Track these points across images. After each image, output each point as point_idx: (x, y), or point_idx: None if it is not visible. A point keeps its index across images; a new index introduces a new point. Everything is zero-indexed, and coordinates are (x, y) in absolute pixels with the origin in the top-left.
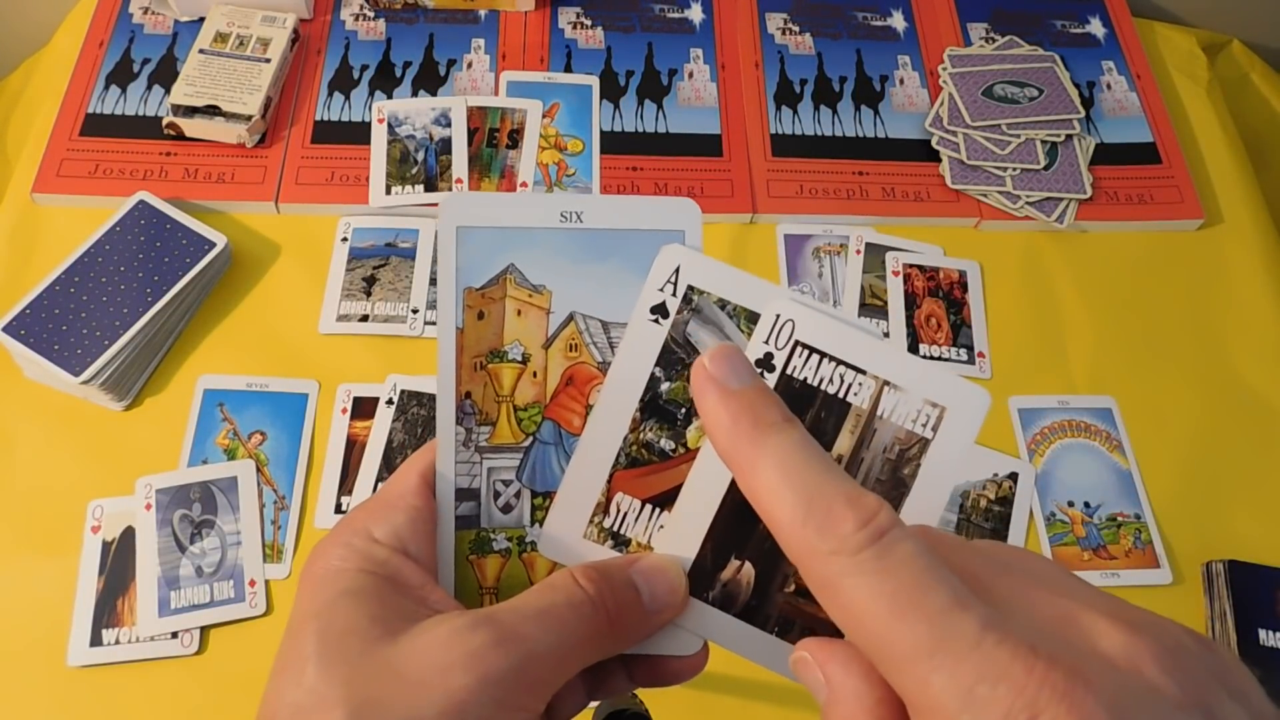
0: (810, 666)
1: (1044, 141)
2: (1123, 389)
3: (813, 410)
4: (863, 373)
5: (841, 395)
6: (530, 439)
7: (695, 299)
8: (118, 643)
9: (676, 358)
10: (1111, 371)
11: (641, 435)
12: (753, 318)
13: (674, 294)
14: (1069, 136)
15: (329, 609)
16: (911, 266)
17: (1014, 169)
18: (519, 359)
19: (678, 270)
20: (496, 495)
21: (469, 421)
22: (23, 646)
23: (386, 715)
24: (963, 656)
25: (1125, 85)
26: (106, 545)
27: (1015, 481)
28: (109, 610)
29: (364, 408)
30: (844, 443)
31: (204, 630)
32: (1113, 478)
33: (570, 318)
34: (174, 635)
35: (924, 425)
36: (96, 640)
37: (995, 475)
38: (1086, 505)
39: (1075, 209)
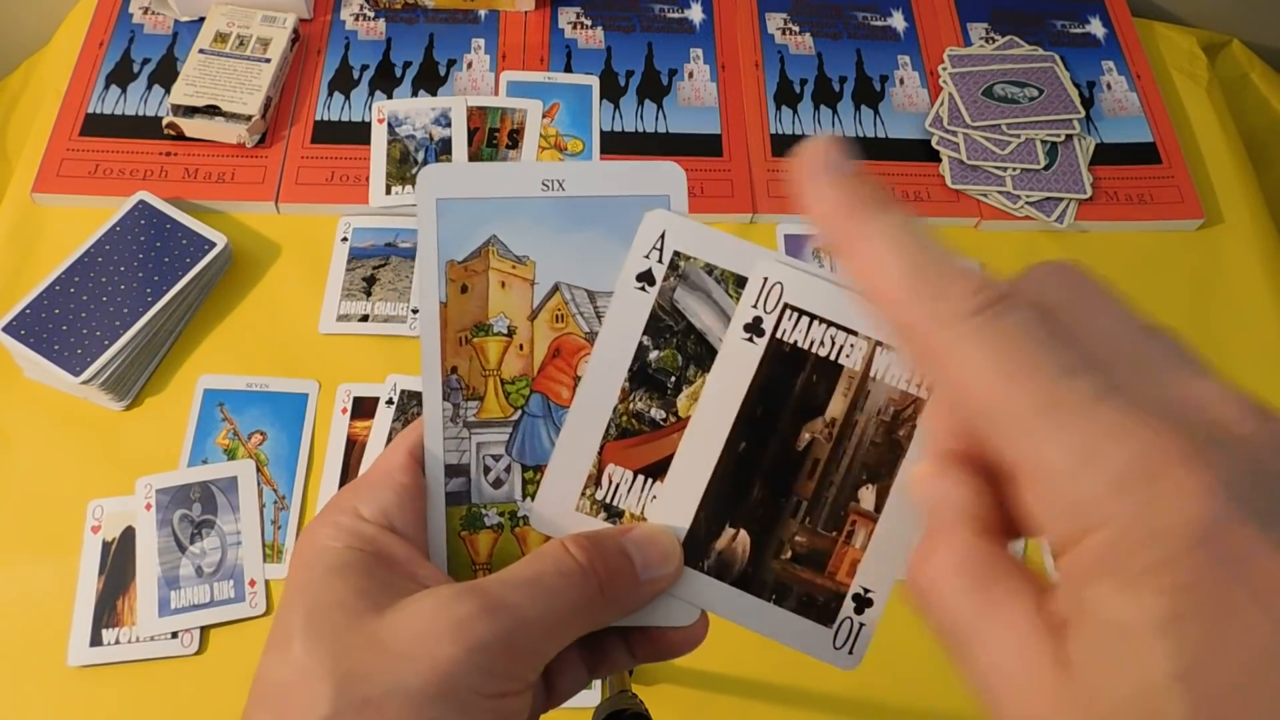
0: (926, 481)
1: (1044, 141)
2: None
3: (804, 374)
4: (854, 334)
5: (833, 357)
6: (519, 412)
7: (682, 265)
8: (118, 643)
9: (664, 325)
10: None
11: (631, 405)
12: (740, 282)
13: (660, 260)
14: (1069, 136)
15: (316, 586)
16: None
17: (1014, 169)
18: (504, 332)
19: (663, 236)
20: (486, 470)
21: (456, 397)
22: (23, 646)
23: (372, 687)
24: (1078, 416)
25: (1125, 85)
26: (106, 545)
27: None
28: (109, 610)
29: (364, 408)
30: (837, 405)
31: (204, 630)
32: None
33: (555, 288)
34: (174, 635)
35: (918, 385)
36: (96, 640)
37: None
38: None
39: (1075, 209)
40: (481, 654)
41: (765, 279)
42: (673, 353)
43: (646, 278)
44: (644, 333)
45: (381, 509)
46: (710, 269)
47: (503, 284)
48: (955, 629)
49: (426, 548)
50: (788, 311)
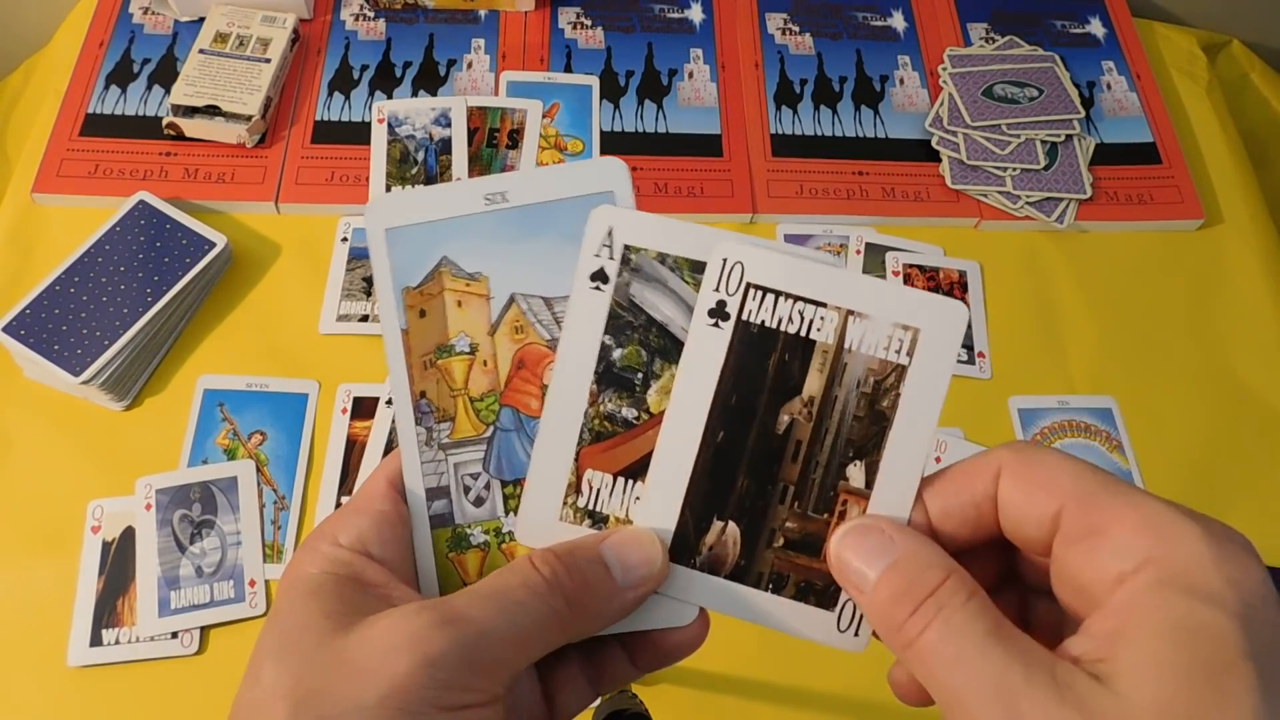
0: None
1: (1044, 141)
2: (1123, 389)
3: (776, 353)
4: (823, 305)
5: (804, 333)
6: (491, 429)
7: (633, 258)
8: (118, 643)
9: (624, 322)
10: (1111, 371)
11: (601, 407)
12: (696, 267)
13: (611, 257)
14: (1069, 136)
15: (288, 610)
16: (911, 266)
17: (1014, 169)
18: (467, 350)
19: (611, 232)
20: (466, 490)
21: (428, 421)
22: (23, 646)
23: (329, 705)
24: None
25: (1125, 85)
26: (106, 545)
27: None
28: (109, 610)
29: (364, 408)
30: (813, 383)
31: (204, 630)
32: None
33: (511, 300)
34: (174, 635)
35: (898, 351)
36: (96, 640)
37: None
38: None
39: (1075, 209)
40: (436, 666)
41: (724, 260)
42: (636, 349)
43: (600, 276)
44: (605, 332)
45: (358, 535)
46: (663, 258)
47: (459, 303)
48: None
49: (406, 571)
50: (752, 291)
